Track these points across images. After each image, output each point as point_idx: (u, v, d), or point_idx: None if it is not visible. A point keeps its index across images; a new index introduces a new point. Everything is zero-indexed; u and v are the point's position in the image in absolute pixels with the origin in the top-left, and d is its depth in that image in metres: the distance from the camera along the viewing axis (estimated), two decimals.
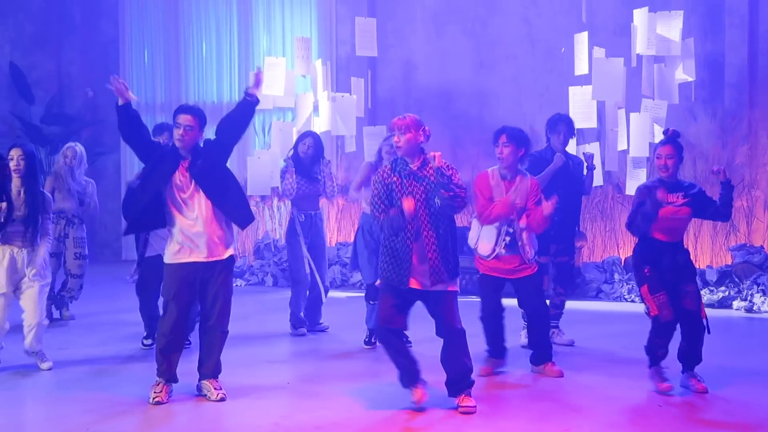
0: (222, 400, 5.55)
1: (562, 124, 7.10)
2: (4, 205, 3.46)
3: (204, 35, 13.20)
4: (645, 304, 5.78)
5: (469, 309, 6.03)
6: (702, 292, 9.38)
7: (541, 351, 6.32)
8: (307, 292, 7.80)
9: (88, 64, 13.66)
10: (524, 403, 5.64)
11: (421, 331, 6.05)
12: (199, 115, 5.58)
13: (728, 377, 6.12)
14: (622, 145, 9.05)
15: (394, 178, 5.32)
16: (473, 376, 5.47)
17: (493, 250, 6.14)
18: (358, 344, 7.25)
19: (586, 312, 7.42)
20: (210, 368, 5.67)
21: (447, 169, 5.28)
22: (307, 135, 7.92)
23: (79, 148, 8.30)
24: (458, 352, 5.37)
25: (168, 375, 5.58)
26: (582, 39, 9.08)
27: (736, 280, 9.62)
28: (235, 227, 5.74)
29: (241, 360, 6.54)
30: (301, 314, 7.78)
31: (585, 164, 7.31)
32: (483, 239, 6.18)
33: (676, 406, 5.52)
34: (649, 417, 5.30)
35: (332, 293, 7.93)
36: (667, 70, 8.96)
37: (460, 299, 5.51)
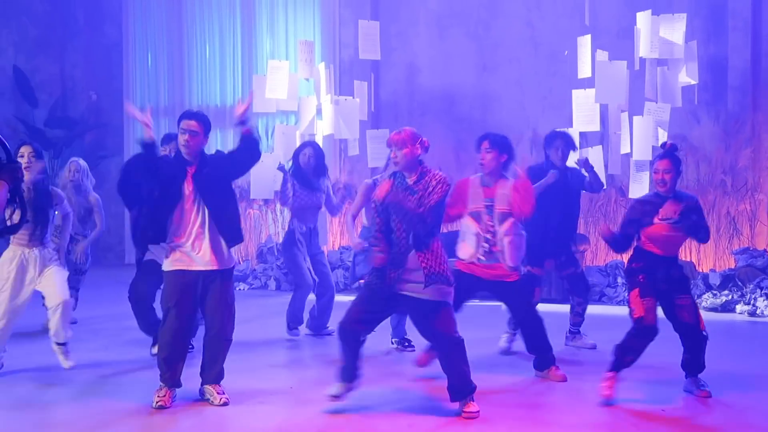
0: (225, 404, 5.56)
1: (558, 140, 7.12)
2: (17, 213, 3.47)
3: (207, 38, 13.23)
4: (630, 306, 5.69)
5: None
6: (705, 296, 9.43)
7: (542, 356, 6.32)
8: (314, 297, 7.82)
9: (92, 67, 13.69)
10: (524, 408, 5.63)
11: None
12: (203, 120, 5.57)
13: (730, 381, 6.11)
14: (625, 149, 9.06)
15: (390, 198, 5.29)
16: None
17: (473, 255, 6.13)
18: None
19: (588, 316, 7.43)
20: (213, 375, 5.67)
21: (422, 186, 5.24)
22: (306, 145, 7.91)
23: (83, 162, 8.30)
24: (459, 360, 5.35)
25: (171, 381, 5.59)
26: (585, 42, 9.08)
27: (739, 283, 9.59)
28: None
29: (244, 364, 6.54)
30: (303, 315, 7.80)
31: (583, 170, 7.29)
32: (464, 243, 6.19)
33: (678, 411, 5.52)
34: (652, 421, 5.29)
35: (335, 297, 7.94)
36: (671, 73, 8.96)
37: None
